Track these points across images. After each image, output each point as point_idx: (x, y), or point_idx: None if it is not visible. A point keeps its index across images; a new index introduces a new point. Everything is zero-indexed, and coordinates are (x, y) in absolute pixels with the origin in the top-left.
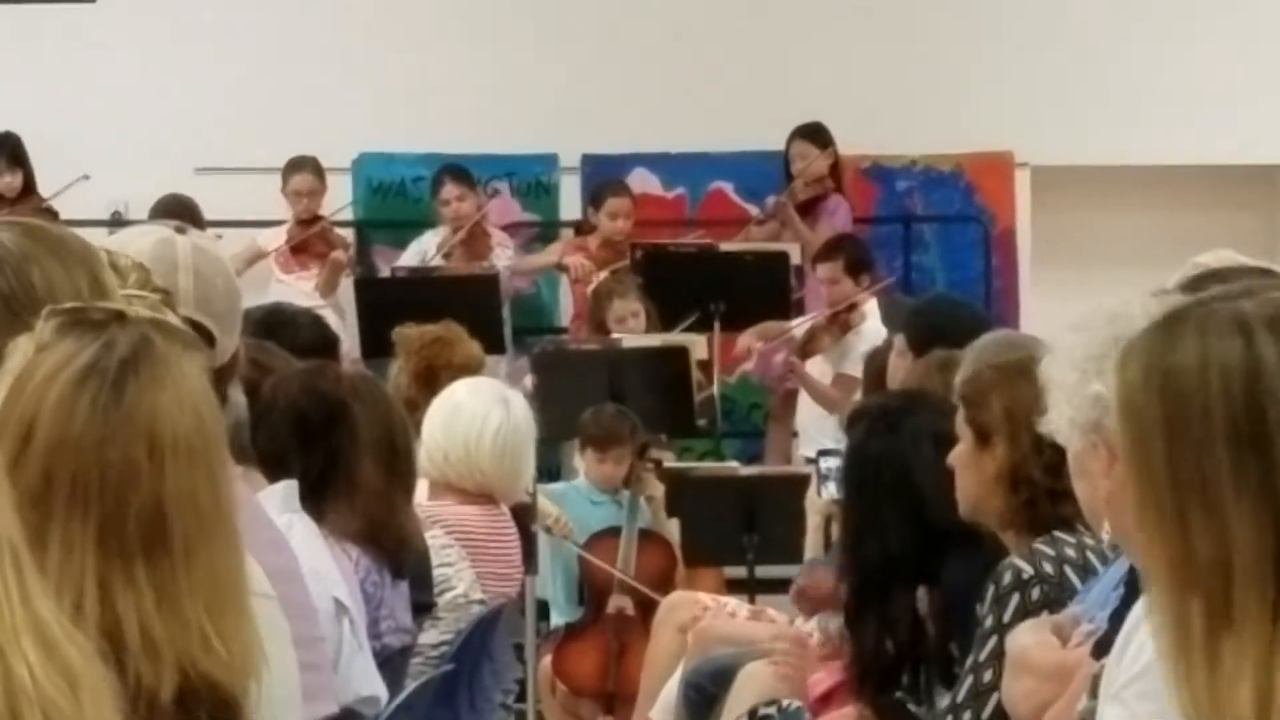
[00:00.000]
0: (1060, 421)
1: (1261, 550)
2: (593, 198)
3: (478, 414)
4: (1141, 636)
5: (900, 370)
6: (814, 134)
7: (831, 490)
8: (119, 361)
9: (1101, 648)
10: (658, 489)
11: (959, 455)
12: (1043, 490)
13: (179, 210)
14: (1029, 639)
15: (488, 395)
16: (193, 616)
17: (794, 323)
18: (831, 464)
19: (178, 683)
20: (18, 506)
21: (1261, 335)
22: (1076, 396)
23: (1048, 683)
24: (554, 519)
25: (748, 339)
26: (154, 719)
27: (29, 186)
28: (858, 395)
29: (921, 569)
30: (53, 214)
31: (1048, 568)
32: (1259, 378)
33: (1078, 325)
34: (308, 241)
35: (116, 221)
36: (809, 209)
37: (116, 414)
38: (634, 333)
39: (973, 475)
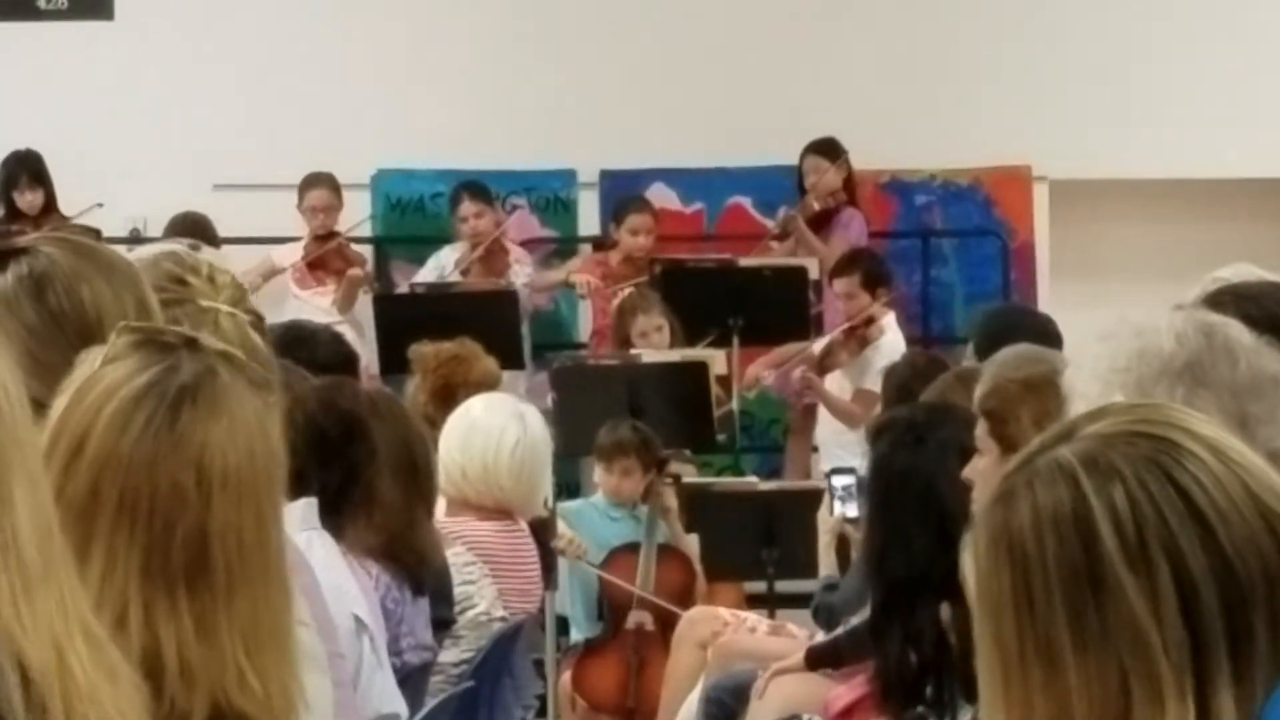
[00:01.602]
0: None
1: (1103, 705)
2: (614, 214)
3: (494, 430)
4: None
5: None
6: (826, 149)
7: (843, 508)
8: (179, 386)
9: None
10: (672, 501)
11: (982, 469)
12: None
13: (193, 228)
14: None
15: (503, 411)
16: (230, 651)
17: (806, 344)
18: (843, 482)
19: (209, 714)
20: (63, 517)
21: (1083, 477)
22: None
23: None
24: (567, 540)
25: (756, 369)
26: None
27: (50, 204)
28: (877, 410)
29: (946, 583)
30: (95, 233)
31: None
32: (1088, 519)
33: (1103, 336)
34: (324, 257)
35: (135, 238)
36: (823, 222)
37: (168, 437)
38: (658, 347)
39: None
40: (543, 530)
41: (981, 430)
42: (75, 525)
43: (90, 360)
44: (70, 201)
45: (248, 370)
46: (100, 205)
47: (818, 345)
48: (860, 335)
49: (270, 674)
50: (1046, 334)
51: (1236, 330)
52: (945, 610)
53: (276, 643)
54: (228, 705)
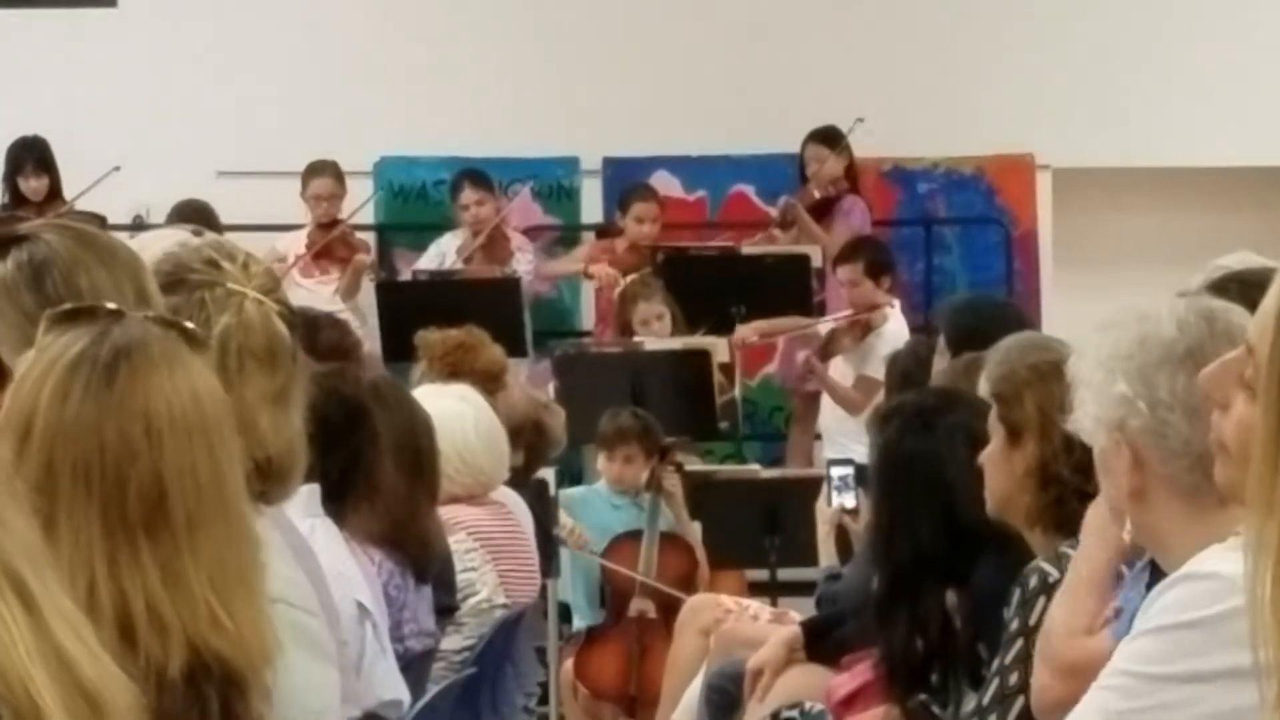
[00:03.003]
0: (1085, 420)
1: None
2: (620, 202)
3: (453, 419)
4: (1149, 615)
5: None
6: (827, 137)
7: (840, 499)
8: (111, 349)
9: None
10: (676, 488)
11: (989, 453)
12: (1071, 489)
13: (195, 215)
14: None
15: (445, 398)
16: (199, 593)
17: (810, 321)
18: (841, 472)
19: (187, 659)
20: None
21: None
22: (1102, 395)
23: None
24: (569, 530)
25: (748, 330)
26: (163, 696)
27: (55, 190)
28: (879, 397)
29: (952, 569)
30: (100, 220)
31: None
32: None
33: (1105, 324)
34: (328, 246)
35: (138, 225)
36: (825, 210)
37: (109, 396)
38: (659, 335)
39: (1003, 472)
40: (545, 517)
41: (992, 415)
42: (39, 503)
43: (25, 356)
44: (73, 189)
45: (184, 331)
46: (118, 169)
47: (821, 326)
48: (864, 322)
49: (241, 612)
50: (1022, 323)
51: (1238, 315)
52: (950, 596)
53: (244, 582)
54: (205, 648)
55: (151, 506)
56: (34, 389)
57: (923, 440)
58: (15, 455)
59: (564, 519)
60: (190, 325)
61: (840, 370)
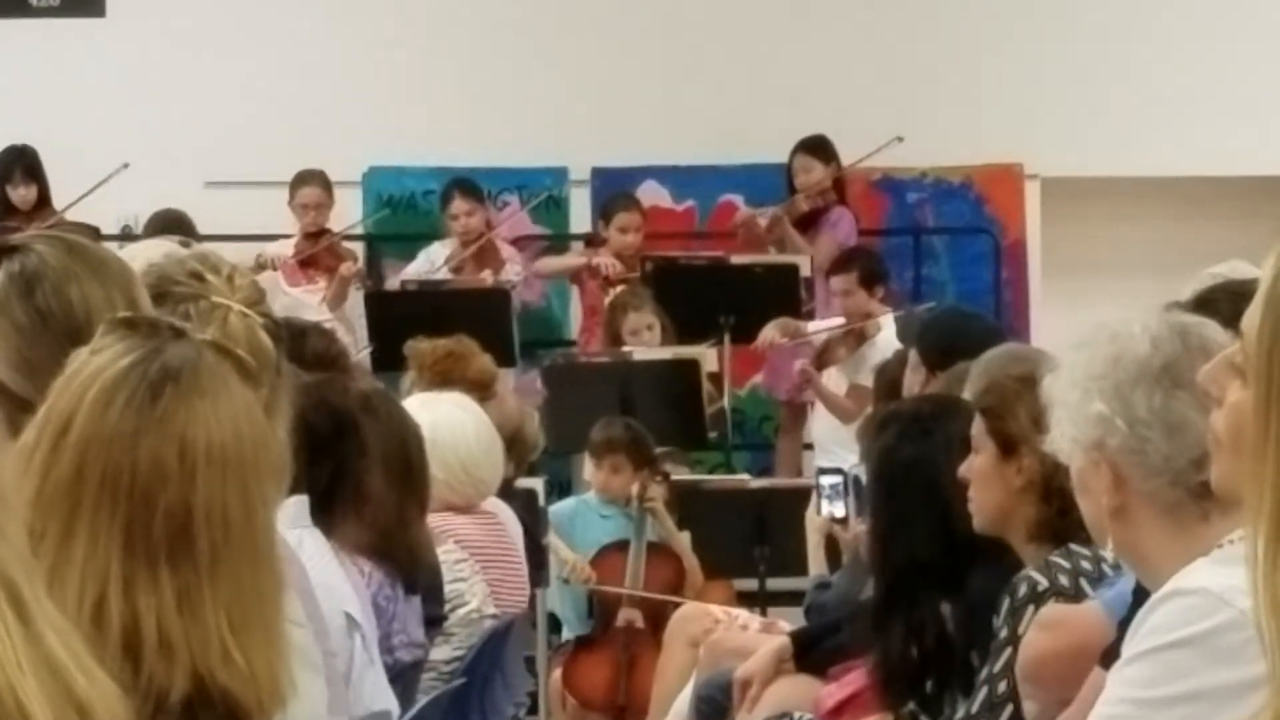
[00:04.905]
0: (1062, 440)
1: None
2: (602, 212)
3: (458, 429)
4: (1138, 636)
5: (915, 386)
6: (817, 147)
7: (830, 508)
8: (161, 367)
9: (1108, 658)
10: (658, 503)
11: (978, 469)
12: (1073, 500)
13: (172, 224)
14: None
15: (447, 408)
16: (214, 626)
17: (812, 325)
18: (831, 481)
19: (190, 688)
20: (50, 500)
21: None
22: (1078, 415)
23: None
24: (571, 566)
25: (771, 331)
26: (159, 718)
27: (44, 199)
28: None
29: (948, 577)
30: (94, 230)
31: (1063, 580)
32: None
33: (1079, 343)
34: (315, 254)
35: (126, 236)
36: (811, 221)
37: (149, 414)
38: (649, 345)
39: (997, 487)
40: (534, 527)
41: (978, 428)
42: (62, 506)
43: (81, 353)
44: (61, 198)
45: (238, 361)
46: (126, 166)
47: (819, 335)
48: (858, 331)
49: (256, 652)
50: (995, 333)
51: (1212, 330)
52: (945, 608)
53: (264, 623)
54: (210, 680)
55: (176, 533)
56: (79, 390)
57: (920, 447)
58: (49, 453)
59: (565, 553)
60: (245, 356)
61: (833, 379)
